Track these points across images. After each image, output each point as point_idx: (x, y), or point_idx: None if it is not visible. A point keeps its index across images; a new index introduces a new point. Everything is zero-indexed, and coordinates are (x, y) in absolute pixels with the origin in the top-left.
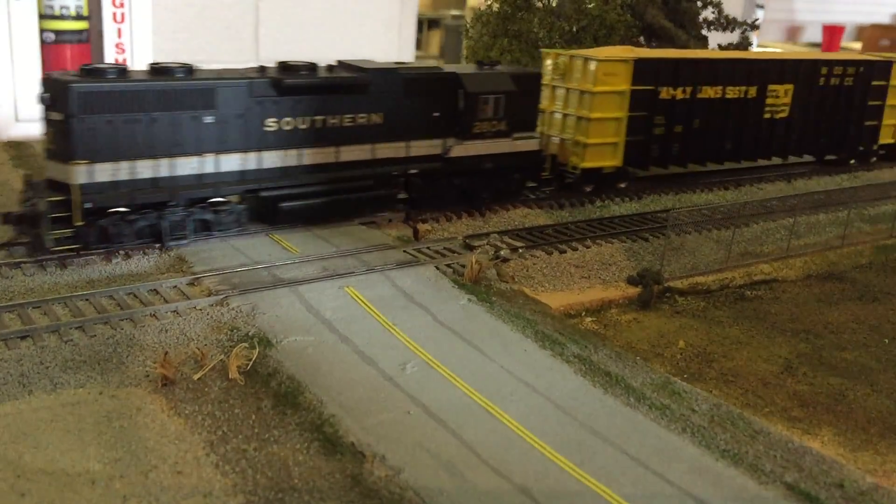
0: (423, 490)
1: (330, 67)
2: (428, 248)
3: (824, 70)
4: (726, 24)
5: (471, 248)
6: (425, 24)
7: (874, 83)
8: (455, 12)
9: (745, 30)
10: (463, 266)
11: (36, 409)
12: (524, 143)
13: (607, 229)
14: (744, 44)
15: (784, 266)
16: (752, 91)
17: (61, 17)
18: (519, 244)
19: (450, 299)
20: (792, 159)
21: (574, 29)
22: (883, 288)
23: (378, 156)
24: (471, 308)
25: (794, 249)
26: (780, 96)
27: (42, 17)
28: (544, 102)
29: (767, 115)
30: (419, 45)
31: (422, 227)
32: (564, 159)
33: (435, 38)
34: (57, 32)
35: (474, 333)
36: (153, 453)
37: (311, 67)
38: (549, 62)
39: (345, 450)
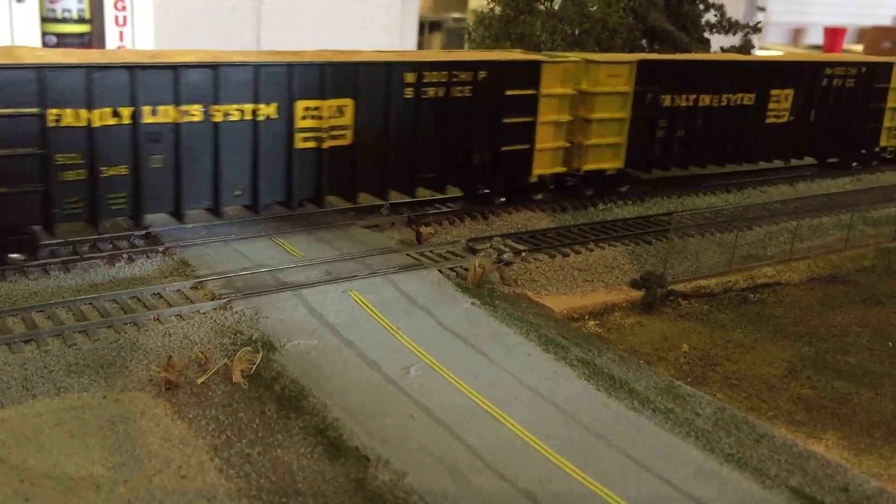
0: (428, 494)
1: None
2: (431, 251)
3: (429, 76)
4: (728, 26)
5: (474, 252)
6: (427, 27)
7: (509, 92)
8: (457, 15)
9: (748, 32)
10: (466, 269)
11: (40, 414)
12: None
13: (610, 232)
14: (746, 47)
15: (787, 269)
16: (272, 110)
17: (63, 21)
18: (522, 247)
19: (453, 303)
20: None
21: (576, 32)
22: (886, 291)
23: None
24: (474, 311)
25: (797, 252)
26: (325, 117)
27: (44, 20)
28: None
29: (311, 145)
30: (421, 47)
31: (425, 230)
32: None
33: (436, 41)
34: (59, 36)
35: (478, 337)
36: (157, 457)
37: None
38: None
39: (349, 454)
